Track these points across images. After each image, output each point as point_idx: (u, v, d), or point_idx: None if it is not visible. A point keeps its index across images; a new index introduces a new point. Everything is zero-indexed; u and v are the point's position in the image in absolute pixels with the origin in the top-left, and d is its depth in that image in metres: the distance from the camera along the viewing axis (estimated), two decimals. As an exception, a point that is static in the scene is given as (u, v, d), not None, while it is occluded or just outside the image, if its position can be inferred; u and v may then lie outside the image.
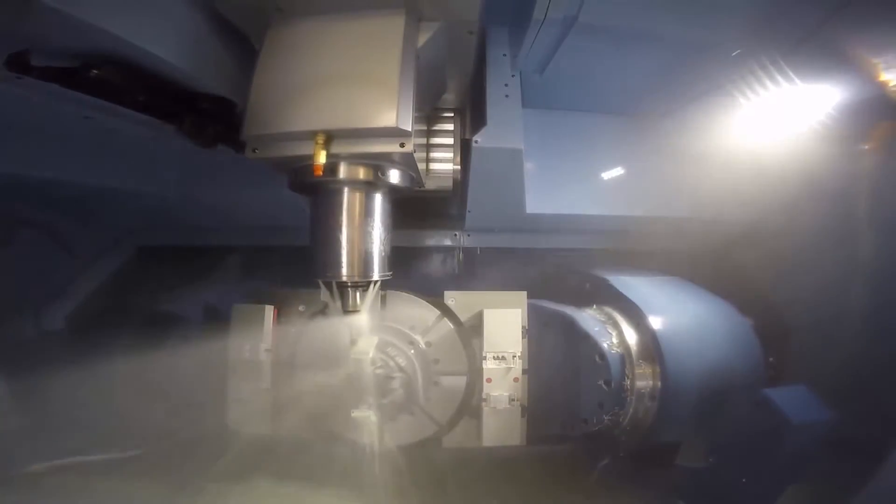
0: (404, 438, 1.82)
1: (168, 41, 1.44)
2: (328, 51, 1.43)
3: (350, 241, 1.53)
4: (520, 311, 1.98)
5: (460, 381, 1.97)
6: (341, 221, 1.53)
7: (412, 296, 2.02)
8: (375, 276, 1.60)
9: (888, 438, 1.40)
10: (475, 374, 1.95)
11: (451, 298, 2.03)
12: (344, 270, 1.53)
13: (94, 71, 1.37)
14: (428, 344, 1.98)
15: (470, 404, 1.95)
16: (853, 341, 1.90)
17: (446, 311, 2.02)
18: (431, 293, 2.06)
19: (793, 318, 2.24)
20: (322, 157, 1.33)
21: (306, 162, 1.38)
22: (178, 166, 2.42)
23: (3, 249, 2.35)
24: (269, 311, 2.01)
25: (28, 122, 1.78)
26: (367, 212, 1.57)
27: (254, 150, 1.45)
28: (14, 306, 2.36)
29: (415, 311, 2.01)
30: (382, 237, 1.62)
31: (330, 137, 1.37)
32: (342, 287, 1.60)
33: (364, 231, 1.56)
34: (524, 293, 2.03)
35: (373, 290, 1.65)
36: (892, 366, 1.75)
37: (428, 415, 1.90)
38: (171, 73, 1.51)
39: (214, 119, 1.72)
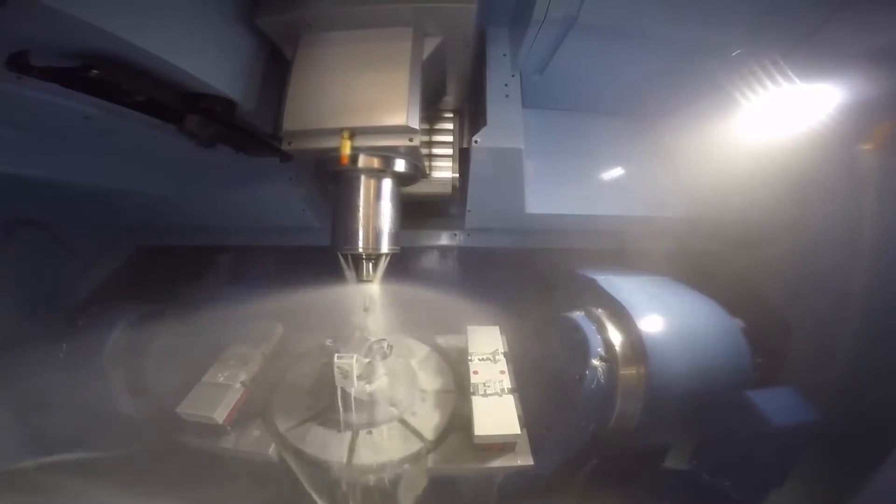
0: (387, 454, 1.67)
1: (168, 41, 1.44)
2: (351, 62, 1.68)
3: (365, 219, 1.76)
4: (497, 328, 2.12)
5: (448, 397, 1.93)
6: (358, 203, 1.76)
7: (402, 337, 2.18)
8: (385, 249, 1.79)
9: (884, 439, 1.40)
10: (462, 395, 1.88)
11: (440, 340, 2.28)
12: (360, 244, 1.75)
13: (94, 71, 1.37)
14: (418, 364, 2.12)
15: (458, 422, 1.83)
16: (850, 342, 1.90)
17: (436, 347, 2.24)
18: (430, 292, 2.09)
19: (789, 319, 2.24)
20: (348, 149, 1.59)
21: (332, 153, 1.62)
22: (178, 166, 2.42)
23: (3, 249, 2.35)
24: (279, 327, 2.23)
25: (28, 122, 1.78)
26: (379, 195, 1.79)
27: (289, 143, 1.69)
28: (14, 306, 2.35)
29: (405, 344, 2.20)
30: (392, 216, 1.82)
31: (353, 133, 1.61)
32: (357, 259, 1.80)
33: (377, 211, 1.79)
34: (496, 327, 2.13)
35: (384, 262, 1.83)
36: (890, 368, 1.75)
37: (413, 429, 1.78)
38: (171, 73, 1.51)
39: (214, 119, 1.72)
